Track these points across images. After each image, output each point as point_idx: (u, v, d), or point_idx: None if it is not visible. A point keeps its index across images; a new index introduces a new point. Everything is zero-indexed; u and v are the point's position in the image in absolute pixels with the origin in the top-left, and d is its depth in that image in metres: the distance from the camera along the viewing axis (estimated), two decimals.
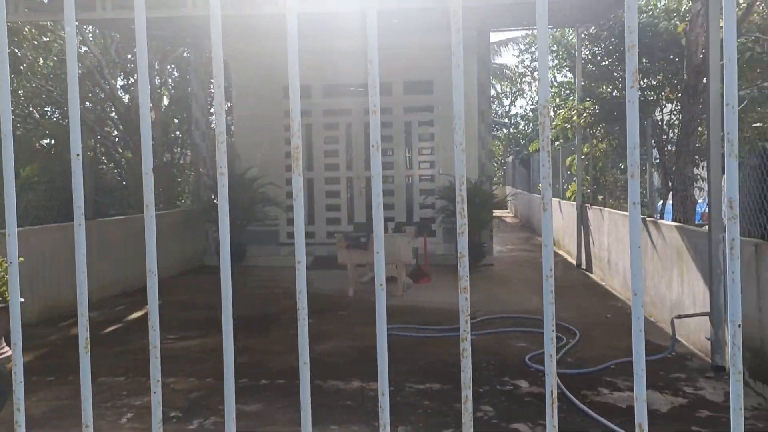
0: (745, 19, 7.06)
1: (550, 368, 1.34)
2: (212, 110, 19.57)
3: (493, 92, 29.99)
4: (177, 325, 7.42)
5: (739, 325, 1.24)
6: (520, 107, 31.89)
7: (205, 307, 8.27)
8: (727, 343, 1.27)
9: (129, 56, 16.58)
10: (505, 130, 30.43)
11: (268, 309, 8.37)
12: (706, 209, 7.30)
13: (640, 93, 10.11)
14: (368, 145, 13.28)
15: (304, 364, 1.34)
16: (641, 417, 1.30)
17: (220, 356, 6.33)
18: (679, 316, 6.08)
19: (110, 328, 7.69)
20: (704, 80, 7.59)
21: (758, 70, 6.99)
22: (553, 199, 15.36)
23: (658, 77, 10.05)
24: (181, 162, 17.26)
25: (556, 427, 1.32)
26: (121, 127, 16.61)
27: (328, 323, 7.51)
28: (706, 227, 6.17)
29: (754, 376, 5.05)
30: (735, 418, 1.23)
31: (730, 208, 1.25)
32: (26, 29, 12.59)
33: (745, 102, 6.39)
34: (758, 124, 6.63)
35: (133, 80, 16.50)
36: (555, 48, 12.76)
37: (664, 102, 10.22)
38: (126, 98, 16.45)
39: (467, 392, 1.34)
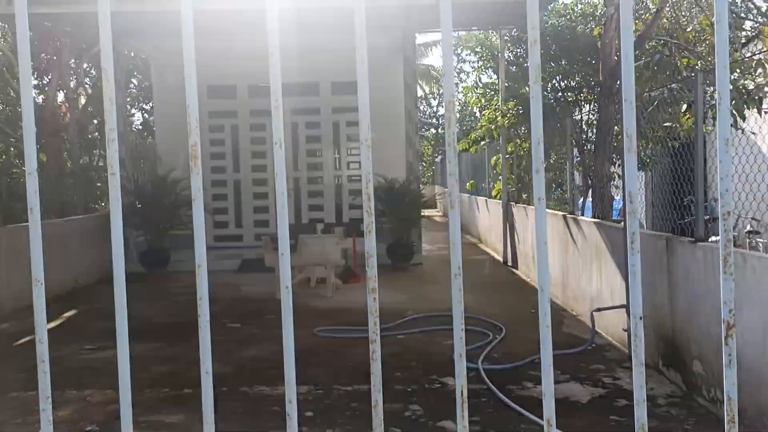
0: (655, 23, 7.37)
1: (460, 368, 1.32)
2: (132, 110, 18.92)
3: (421, 93, 30.27)
4: (95, 335, 7.09)
5: (641, 318, 1.26)
6: None
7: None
8: (632, 333, 1.29)
9: (43, 55, 15.80)
10: (433, 131, 30.80)
11: (192, 315, 8.10)
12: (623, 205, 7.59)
13: (560, 94, 10.43)
14: (296, 146, 13.17)
15: (206, 374, 1.27)
16: (549, 413, 1.30)
17: (139, 366, 6.12)
18: (598, 309, 6.29)
19: (23, 340, 7.27)
20: (618, 82, 7.89)
21: (667, 72, 7.32)
22: (480, 197, 15.65)
23: (577, 78, 10.38)
24: (101, 164, 16.58)
25: (467, 427, 1.31)
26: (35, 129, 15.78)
27: (255, 327, 7.37)
28: (623, 223, 6.41)
29: (667, 364, 5.28)
30: (639, 410, 1.25)
31: (629, 203, 1.27)
32: None
33: (656, 102, 6.66)
34: (669, 124, 6.93)
35: (47, 79, 15.72)
36: (479, 49, 12.99)
37: (582, 102, 10.56)
38: (40, 98, 15.67)
39: (377, 396, 1.30)
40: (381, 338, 6.35)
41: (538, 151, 1.28)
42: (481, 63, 13.52)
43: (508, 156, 12.05)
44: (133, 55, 16.15)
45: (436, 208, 27.06)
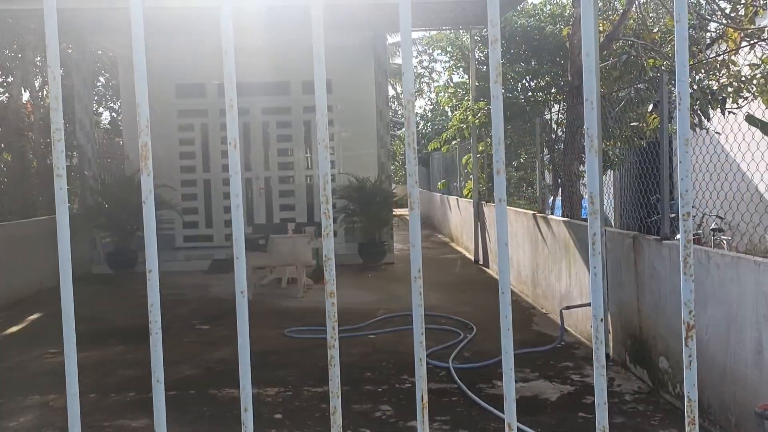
0: (621, 24, 7.46)
1: (420, 373, 1.30)
2: (99, 109, 18.56)
3: (392, 92, 30.27)
4: (59, 339, 6.93)
5: (602, 320, 1.25)
6: (420, 107, 32.36)
7: (90, 319, 7.79)
8: (593, 335, 1.28)
9: (6, 51, 15.42)
10: (405, 130, 30.80)
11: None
12: None
13: (530, 94, 10.48)
14: (267, 145, 13.05)
15: (158, 383, 1.23)
16: (510, 416, 1.29)
17: (103, 371, 5.96)
18: (567, 307, 6.34)
19: None
20: None
21: (634, 73, 7.42)
22: (451, 197, 15.71)
23: (547, 78, 10.46)
24: (68, 164, 16.22)
25: None
26: None
27: (224, 329, 7.27)
28: None
29: (634, 361, 5.34)
30: (599, 413, 1.24)
31: (591, 203, 1.26)
32: None
33: (623, 102, 6.74)
34: (636, 124, 7.01)
35: (11, 78, 15.34)
36: (450, 49, 13.02)
37: (552, 102, 10.65)
38: (4, 97, 15.29)
39: (336, 402, 1.28)
40: (352, 339, 6.32)
41: (499, 152, 1.27)
42: (452, 62, 13.56)
43: (479, 155, 12.11)
44: (100, 53, 15.86)
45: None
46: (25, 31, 12.23)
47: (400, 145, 30.00)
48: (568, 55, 9.49)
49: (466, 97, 12.63)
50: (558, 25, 10.27)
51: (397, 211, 12.73)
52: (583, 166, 9.04)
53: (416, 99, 31.78)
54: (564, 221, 7.20)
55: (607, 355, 5.74)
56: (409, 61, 1.27)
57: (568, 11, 10.31)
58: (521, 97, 10.78)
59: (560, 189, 9.83)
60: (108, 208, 11.29)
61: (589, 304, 5.91)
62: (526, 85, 10.95)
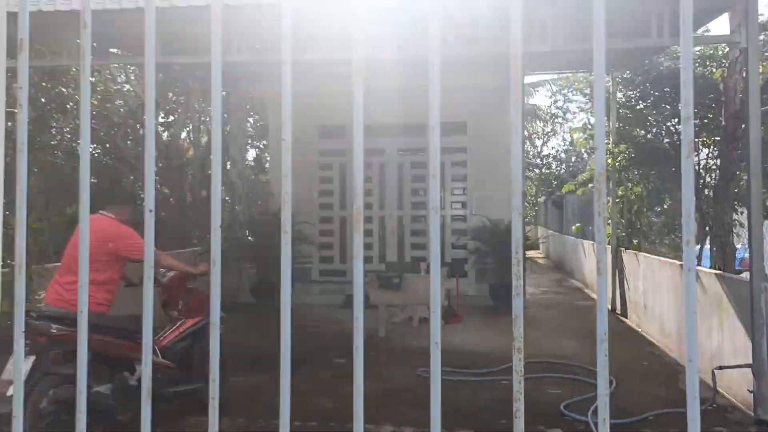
0: None
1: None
2: (247, 147, 19.94)
3: (525, 132, 30.03)
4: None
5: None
6: (552, 148, 31.80)
7: (236, 345, 8.29)
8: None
9: (170, 95, 17.08)
10: (537, 171, 30.37)
11: (297, 348, 8.36)
12: (745, 255, 7.16)
13: (676, 137, 10.05)
14: (401, 184, 13.40)
15: (358, 368, 1.36)
16: None
17: (249, 397, 6.27)
18: (720, 368, 5.94)
19: None
20: (743, 126, 7.54)
21: None
22: (587, 241, 15.23)
23: (695, 122, 10.00)
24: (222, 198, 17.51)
25: None
26: (160, 164, 17.04)
27: None
28: (746, 275, 6.05)
29: None
30: None
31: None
32: (73, 69, 13.02)
33: None
34: None
35: (172, 118, 16.97)
36: (588, 91, 12.80)
37: (700, 147, 10.14)
38: (165, 135, 16.89)
39: None
40: (484, 383, 6.31)
41: (689, 224, 1.30)
42: (590, 104, 13.30)
43: (618, 200, 11.70)
44: (251, 96, 17.14)
45: (538, 249, 26.53)
46: (190, 77, 13.49)
47: (532, 186, 29.56)
48: (719, 97, 9.05)
49: (605, 141, 12.31)
50: (708, 67, 9.82)
51: (528, 254, 12.53)
52: (737, 215, 8.50)
53: (551, 138, 31.27)
54: (716, 274, 6.78)
55: (766, 422, 5.30)
56: (600, 136, 1.35)
57: (720, 51, 9.84)
58: (666, 140, 10.36)
59: (707, 237, 9.28)
60: (253, 241, 12.05)
61: (746, 366, 5.52)
62: (671, 129, 10.53)
